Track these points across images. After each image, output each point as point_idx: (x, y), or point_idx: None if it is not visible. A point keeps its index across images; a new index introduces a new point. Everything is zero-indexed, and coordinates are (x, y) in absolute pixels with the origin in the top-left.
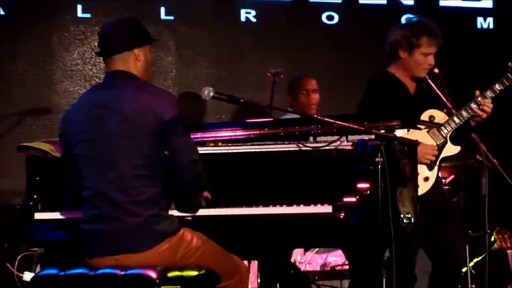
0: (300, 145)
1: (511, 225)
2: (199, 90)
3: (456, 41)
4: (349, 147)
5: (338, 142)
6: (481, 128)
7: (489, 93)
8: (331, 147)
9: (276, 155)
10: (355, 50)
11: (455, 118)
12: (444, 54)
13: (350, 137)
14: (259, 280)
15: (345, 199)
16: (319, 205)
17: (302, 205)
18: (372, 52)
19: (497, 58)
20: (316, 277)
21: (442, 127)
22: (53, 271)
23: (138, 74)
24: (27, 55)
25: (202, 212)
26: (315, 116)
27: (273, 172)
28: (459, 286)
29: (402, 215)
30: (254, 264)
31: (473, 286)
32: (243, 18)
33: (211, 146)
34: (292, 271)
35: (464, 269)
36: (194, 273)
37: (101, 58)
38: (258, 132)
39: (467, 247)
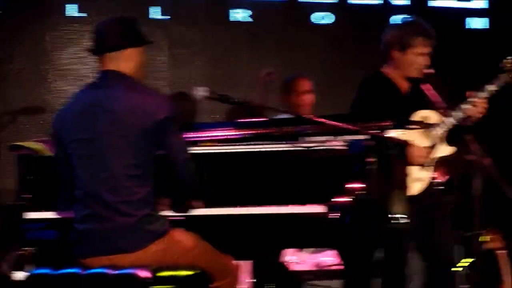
0: (294, 145)
1: (502, 225)
2: (193, 90)
3: (447, 41)
4: (343, 147)
5: (332, 142)
6: (478, 127)
7: (483, 94)
8: (325, 147)
9: (270, 155)
10: (350, 50)
11: (449, 119)
12: (435, 55)
13: (343, 137)
14: (252, 280)
15: (339, 199)
16: (313, 205)
17: (296, 205)
18: (367, 52)
19: (489, 59)
20: (309, 277)
21: (436, 128)
22: (45, 270)
23: (130, 74)
24: (21, 54)
25: (195, 211)
26: (308, 116)
27: (267, 172)
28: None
29: (393, 215)
30: (248, 264)
31: (466, 286)
32: (237, 18)
33: (204, 146)
34: (285, 271)
35: (455, 269)
36: (187, 273)
37: (94, 56)
38: (251, 132)
39: (460, 247)
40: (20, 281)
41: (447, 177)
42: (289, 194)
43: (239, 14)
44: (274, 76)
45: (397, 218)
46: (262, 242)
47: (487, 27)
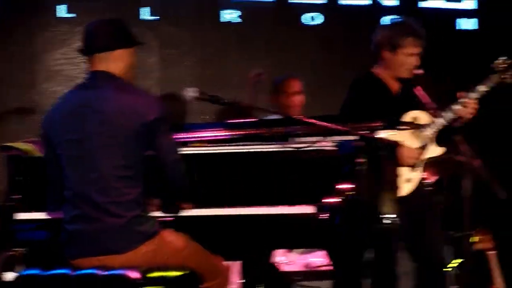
0: (284, 146)
1: (492, 226)
2: (183, 90)
3: (437, 42)
4: (332, 148)
5: (321, 143)
6: (469, 128)
7: (473, 94)
8: (315, 147)
9: (260, 155)
10: (340, 51)
11: (439, 120)
12: (425, 56)
13: (333, 138)
14: (242, 281)
15: (329, 200)
16: (303, 206)
17: (286, 206)
18: (356, 53)
19: (479, 60)
20: (298, 278)
21: (426, 129)
22: (35, 271)
23: (119, 75)
24: (10, 55)
25: (185, 212)
26: (298, 117)
27: (256, 172)
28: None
29: (383, 215)
30: (237, 265)
31: (455, 287)
32: (227, 19)
33: (194, 147)
34: (274, 272)
35: (446, 269)
36: (177, 273)
37: (84, 57)
38: (241, 132)
39: (450, 247)
40: (9, 282)
41: (436, 177)
42: (279, 194)
43: (229, 15)
44: (264, 76)
45: (386, 219)
46: (252, 243)
47: (477, 27)
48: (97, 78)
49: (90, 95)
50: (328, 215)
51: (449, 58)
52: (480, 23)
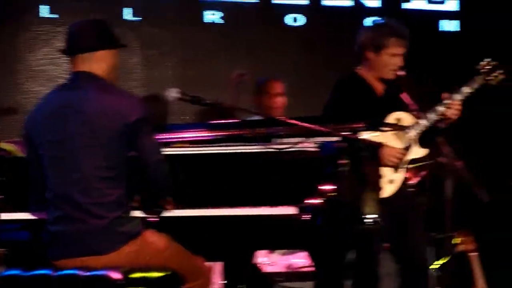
0: (266, 147)
1: (474, 227)
2: (164, 91)
3: (420, 44)
4: (315, 149)
5: (304, 144)
6: (454, 129)
7: (457, 96)
8: (296, 148)
9: (242, 156)
10: (322, 52)
11: (423, 121)
12: (409, 57)
13: (315, 139)
14: (223, 282)
15: (311, 201)
16: (285, 207)
17: (268, 207)
18: (339, 54)
19: (461, 61)
20: (280, 279)
21: (409, 130)
22: (16, 271)
23: (102, 76)
24: None
25: (167, 213)
26: (280, 117)
27: (238, 173)
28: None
29: (365, 216)
30: (219, 266)
31: None
32: (209, 19)
33: (176, 147)
34: (256, 273)
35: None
36: (158, 274)
37: (67, 58)
38: (223, 133)
39: (432, 249)
40: None
41: (419, 179)
42: (261, 195)
43: (212, 16)
44: (246, 77)
45: (368, 220)
46: (234, 244)
47: (459, 29)
48: (80, 79)
49: (72, 95)
50: (310, 216)
51: (431, 60)
52: (462, 25)
